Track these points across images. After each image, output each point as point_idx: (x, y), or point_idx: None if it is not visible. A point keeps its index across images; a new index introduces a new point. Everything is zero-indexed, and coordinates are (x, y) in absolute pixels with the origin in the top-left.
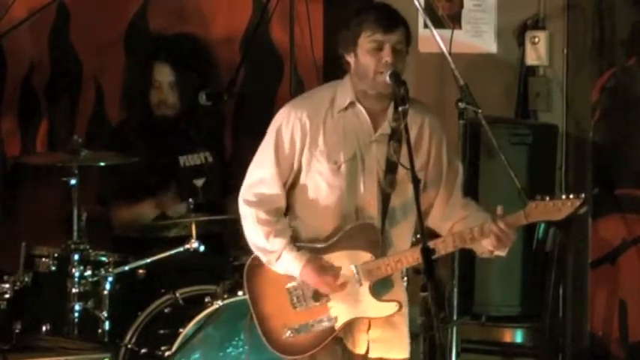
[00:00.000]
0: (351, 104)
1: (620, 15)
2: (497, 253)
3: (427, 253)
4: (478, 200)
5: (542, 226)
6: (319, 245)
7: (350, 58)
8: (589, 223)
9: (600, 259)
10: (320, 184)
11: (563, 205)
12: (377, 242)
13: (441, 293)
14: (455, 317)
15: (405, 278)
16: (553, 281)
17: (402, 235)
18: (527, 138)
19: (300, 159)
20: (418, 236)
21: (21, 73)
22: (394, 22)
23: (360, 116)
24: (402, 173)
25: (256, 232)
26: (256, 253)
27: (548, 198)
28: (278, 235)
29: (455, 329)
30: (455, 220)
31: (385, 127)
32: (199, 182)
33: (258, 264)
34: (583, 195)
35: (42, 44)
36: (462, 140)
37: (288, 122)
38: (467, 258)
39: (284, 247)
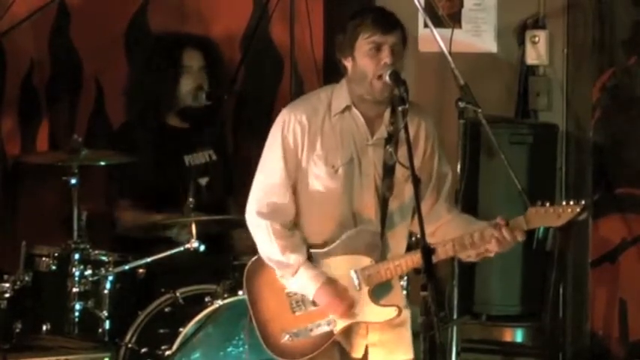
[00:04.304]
0: (347, 108)
1: (621, 15)
2: (484, 256)
3: (427, 252)
4: (478, 200)
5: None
6: (319, 250)
7: (347, 62)
8: (589, 222)
9: (600, 259)
10: (317, 187)
11: (563, 212)
12: (376, 246)
13: (441, 292)
14: (455, 316)
15: (406, 278)
16: (553, 280)
17: (399, 238)
18: (527, 137)
19: (300, 161)
20: (413, 239)
21: (21, 72)
22: (392, 23)
23: (356, 120)
24: (399, 176)
25: (272, 245)
26: (270, 265)
27: (548, 204)
28: (295, 251)
29: (455, 328)
30: (438, 224)
31: (382, 131)
32: (203, 181)
33: (258, 267)
34: (583, 202)
35: (42, 43)
36: (462, 140)
37: (289, 125)
38: None
39: (301, 263)
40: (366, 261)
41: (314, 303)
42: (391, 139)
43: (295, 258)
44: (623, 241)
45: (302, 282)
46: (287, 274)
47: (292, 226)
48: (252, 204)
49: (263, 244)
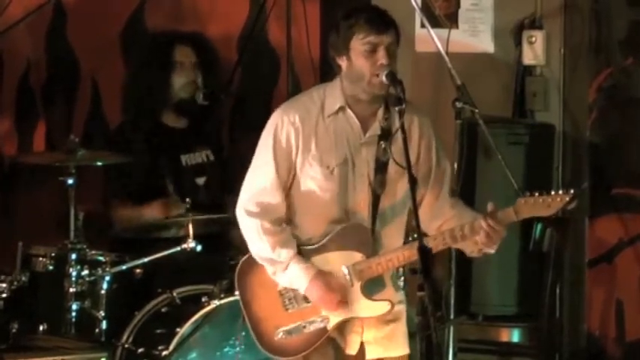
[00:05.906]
0: (341, 109)
1: (617, 15)
2: (485, 250)
3: (424, 252)
4: (475, 200)
5: (539, 225)
6: (311, 246)
7: (342, 62)
8: (586, 222)
9: (597, 259)
10: (312, 188)
11: (552, 201)
12: (368, 242)
13: (438, 292)
14: (452, 317)
15: (403, 278)
16: (550, 281)
17: (393, 235)
18: (524, 137)
19: (295, 162)
20: (410, 237)
21: (18, 72)
22: (386, 23)
23: (350, 120)
24: (391, 173)
25: (262, 243)
26: (261, 262)
27: (537, 194)
28: (284, 246)
29: (452, 329)
30: (443, 220)
31: (375, 128)
32: (201, 181)
33: (250, 266)
34: (572, 190)
35: (39, 44)
36: (459, 140)
37: (282, 126)
38: (464, 257)
39: (291, 257)
40: (357, 257)
41: (306, 299)
42: (385, 136)
43: (286, 253)
44: (620, 241)
45: (293, 277)
46: (278, 270)
47: (282, 223)
48: (242, 203)
49: (253, 242)
